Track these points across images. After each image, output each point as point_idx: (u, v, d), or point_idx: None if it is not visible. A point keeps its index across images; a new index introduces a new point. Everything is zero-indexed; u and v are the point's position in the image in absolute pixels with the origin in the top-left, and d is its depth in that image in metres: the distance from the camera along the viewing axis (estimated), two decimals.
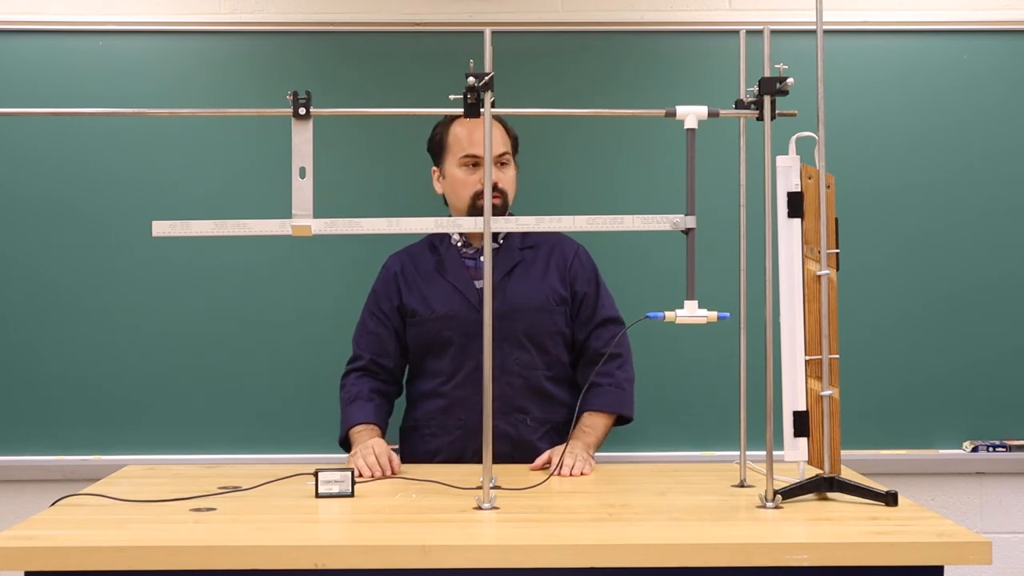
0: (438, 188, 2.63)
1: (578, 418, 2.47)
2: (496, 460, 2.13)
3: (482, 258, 2.56)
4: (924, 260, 3.01)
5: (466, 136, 2.55)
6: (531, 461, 2.46)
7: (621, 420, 2.57)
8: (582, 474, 2.33)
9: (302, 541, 1.78)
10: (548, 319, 2.55)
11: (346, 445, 2.53)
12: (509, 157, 2.58)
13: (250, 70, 2.98)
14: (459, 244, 2.60)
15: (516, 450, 2.49)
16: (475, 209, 2.54)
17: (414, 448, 2.61)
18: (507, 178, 2.57)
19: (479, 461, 2.45)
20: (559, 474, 2.31)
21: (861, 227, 2.94)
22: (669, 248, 2.65)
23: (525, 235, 2.60)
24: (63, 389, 2.95)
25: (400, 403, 2.69)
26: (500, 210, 2.53)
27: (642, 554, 1.75)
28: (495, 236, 2.58)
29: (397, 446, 2.61)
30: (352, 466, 2.27)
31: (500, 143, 2.56)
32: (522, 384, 2.52)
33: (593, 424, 2.50)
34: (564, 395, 2.58)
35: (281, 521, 1.94)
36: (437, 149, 2.61)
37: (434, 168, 2.63)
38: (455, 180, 2.57)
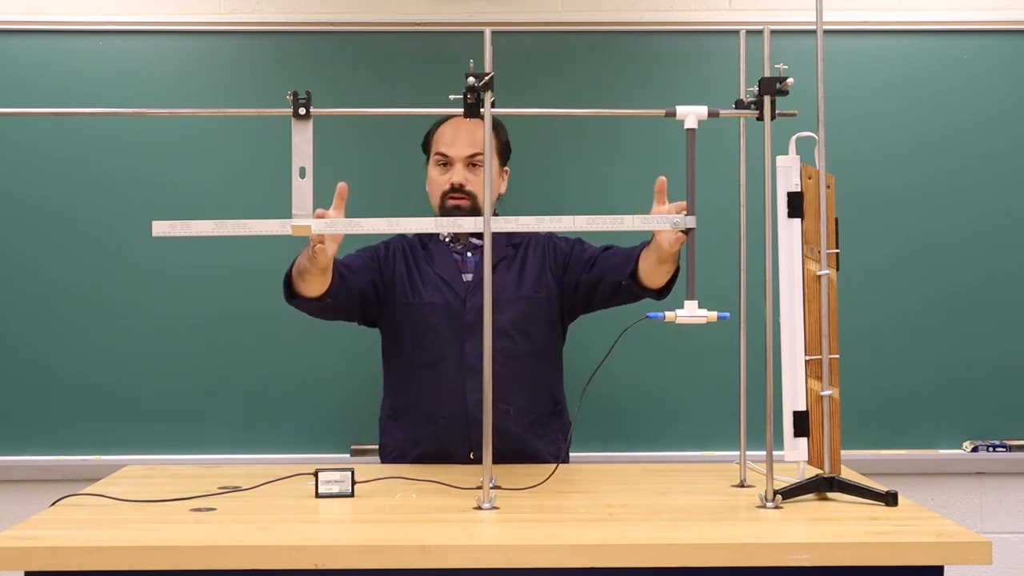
0: (427, 186, 2.64)
1: (639, 259, 2.39)
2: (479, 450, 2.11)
3: (469, 254, 2.57)
4: (924, 260, 3.01)
5: (444, 136, 2.56)
6: (517, 453, 2.46)
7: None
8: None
9: (302, 541, 1.78)
10: (532, 307, 2.54)
11: (289, 288, 2.39)
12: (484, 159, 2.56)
13: (250, 70, 2.98)
14: (446, 240, 2.60)
15: (502, 441, 2.46)
16: (445, 209, 2.53)
17: (392, 438, 2.58)
18: (477, 180, 2.53)
19: (469, 457, 2.47)
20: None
21: (861, 227, 2.94)
22: None
23: (511, 233, 2.57)
24: (63, 389, 2.95)
25: (377, 394, 2.66)
26: (469, 212, 2.51)
27: (642, 554, 1.75)
28: (480, 235, 2.56)
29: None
30: (309, 252, 2.21)
31: (474, 143, 2.53)
32: (507, 374, 2.48)
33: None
34: (551, 379, 2.59)
35: (281, 521, 1.93)
36: (424, 149, 2.63)
37: (426, 166, 2.64)
38: (429, 179, 2.59)
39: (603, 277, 2.51)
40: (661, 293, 2.43)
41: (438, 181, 2.56)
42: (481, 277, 2.51)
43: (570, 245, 2.60)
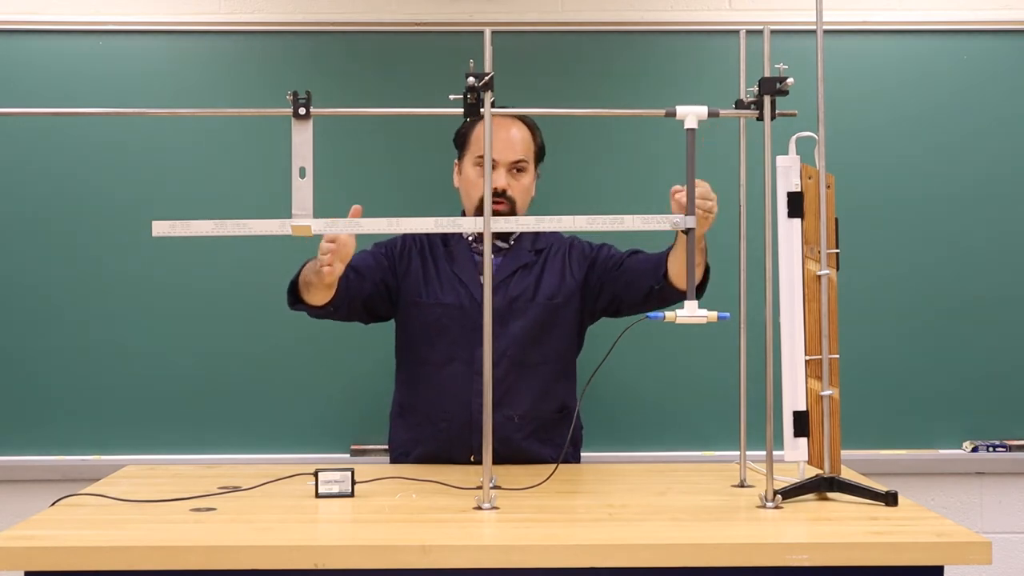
0: (456, 181, 2.62)
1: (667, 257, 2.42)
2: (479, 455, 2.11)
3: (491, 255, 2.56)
4: (924, 260, 3.00)
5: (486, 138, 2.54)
6: (516, 459, 2.44)
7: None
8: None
9: (302, 541, 1.78)
10: (547, 313, 2.53)
11: (295, 294, 2.43)
12: (527, 164, 2.55)
13: (250, 70, 2.98)
14: (470, 239, 2.59)
15: (502, 446, 2.44)
16: (482, 211, 2.52)
17: (398, 435, 2.59)
18: (518, 185, 2.54)
19: (469, 460, 2.47)
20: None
21: (861, 227, 2.94)
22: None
23: (536, 238, 2.58)
24: (63, 389, 2.95)
25: (388, 389, 2.65)
26: (505, 216, 2.49)
27: (642, 554, 1.75)
28: (506, 237, 2.57)
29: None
30: (316, 267, 2.26)
31: (520, 150, 2.54)
32: (515, 380, 2.49)
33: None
34: (561, 388, 2.56)
35: (281, 521, 1.94)
36: (461, 143, 2.60)
37: (456, 161, 2.62)
38: (468, 179, 2.56)
39: (633, 282, 2.49)
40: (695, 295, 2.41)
41: (480, 184, 2.49)
42: (501, 279, 2.51)
43: (595, 248, 2.59)
